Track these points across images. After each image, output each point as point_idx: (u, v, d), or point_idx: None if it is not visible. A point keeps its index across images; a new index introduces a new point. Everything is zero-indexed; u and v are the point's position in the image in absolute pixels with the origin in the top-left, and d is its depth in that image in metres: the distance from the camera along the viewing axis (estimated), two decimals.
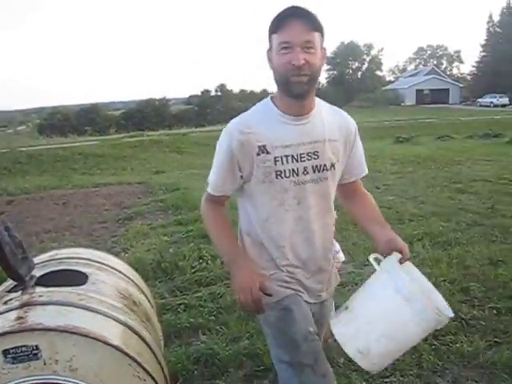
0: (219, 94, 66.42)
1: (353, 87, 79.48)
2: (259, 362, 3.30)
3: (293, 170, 1.88)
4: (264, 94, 45.98)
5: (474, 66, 76.23)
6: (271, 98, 1.96)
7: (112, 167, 14.81)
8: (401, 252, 1.90)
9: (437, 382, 3.04)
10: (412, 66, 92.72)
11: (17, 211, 8.69)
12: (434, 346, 3.42)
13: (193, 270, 4.98)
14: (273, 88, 1.96)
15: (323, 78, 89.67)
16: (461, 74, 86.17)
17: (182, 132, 26.59)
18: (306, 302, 2.01)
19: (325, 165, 1.94)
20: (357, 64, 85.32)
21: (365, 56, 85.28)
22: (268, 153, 1.85)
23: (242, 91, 69.48)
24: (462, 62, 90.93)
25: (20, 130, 49.88)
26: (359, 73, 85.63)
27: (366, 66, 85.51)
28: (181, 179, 10.84)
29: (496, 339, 3.48)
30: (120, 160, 16.15)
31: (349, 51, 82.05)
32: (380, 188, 8.59)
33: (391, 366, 3.16)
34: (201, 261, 5.18)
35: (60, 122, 50.77)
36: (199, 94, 68.88)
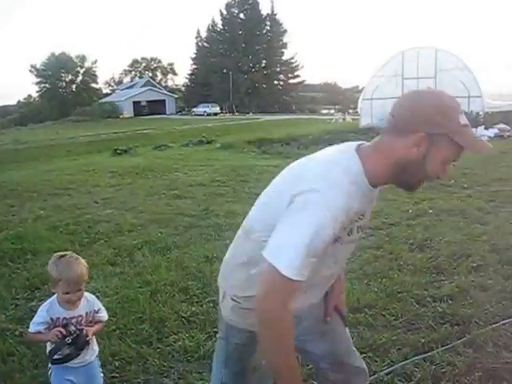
0: None
1: (68, 101, 77.18)
2: None
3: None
4: None
5: (186, 78, 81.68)
6: (363, 163, 1.69)
7: None
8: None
9: (164, 383, 3.16)
10: (128, 79, 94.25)
11: None
12: (158, 349, 3.54)
13: None
14: None
15: (34, 92, 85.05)
16: (175, 85, 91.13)
17: None
18: None
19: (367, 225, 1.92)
20: (70, 76, 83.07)
21: (78, 68, 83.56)
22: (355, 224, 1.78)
23: None
24: (175, 73, 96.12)
25: None
26: (74, 85, 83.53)
27: (80, 78, 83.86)
28: None
29: (214, 329, 3.74)
30: None
31: (60, 63, 79.33)
32: (99, 202, 8.49)
33: (119, 379, 3.20)
34: None
35: None
36: None
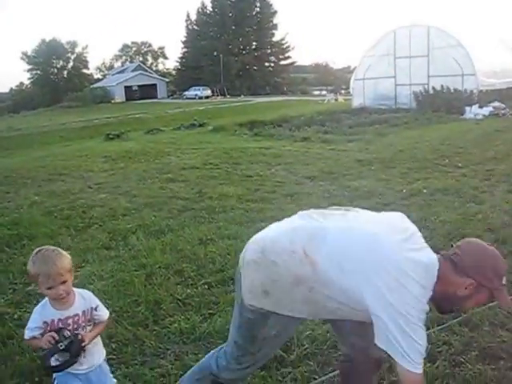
0: None
1: (60, 87, 76.54)
2: None
3: None
4: None
5: (177, 62, 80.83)
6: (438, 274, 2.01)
7: None
8: None
9: (161, 364, 3.17)
10: (119, 63, 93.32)
11: None
12: (154, 331, 3.56)
13: None
14: None
15: (26, 79, 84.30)
16: (166, 69, 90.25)
17: None
18: None
19: None
20: (61, 63, 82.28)
21: (69, 54, 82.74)
22: None
23: None
24: (166, 57, 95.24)
25: None
26: (65, 72, 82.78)
27: (71, 64, 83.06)
28: None
29: (210, 311, 3.79)
30: None
31: (51, 49, 78.54)
32: (92, 187, 8.46)
33: (116, 360, 3.20)
34: None
35: None
36: None
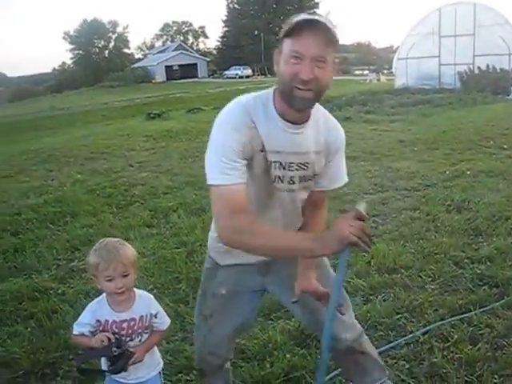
0: None
1: (101, 67, 77.59)
2: (16, 367, 3.06)
3: (279, 176, 1.89)
4: None
5: (218, 41, 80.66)
6: (274, 93, 1.86)
7: None
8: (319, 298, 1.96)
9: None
10: (159, 43, 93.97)
11: None
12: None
13: None
14: None
15: (69, 59, 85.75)
16: (207, 48, 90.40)
17: None
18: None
19: (312, 175, 1.95)
20: (103, 42, 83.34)
21: (110, 34, 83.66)
22: (265, 152, 1.84)
23: None
24: (206, 36, 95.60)
25: None
26: (106, 51, 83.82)
27: (112, 44, 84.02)
28: None
29: None
30: None
31: (93, 29, 79.57)
32: (134, 166, 8.60)
33: None
34: None
35: None
36: None
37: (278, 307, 3.43)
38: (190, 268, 4.17)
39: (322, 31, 1.67)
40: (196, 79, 63.12)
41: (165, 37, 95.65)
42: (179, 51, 73.91)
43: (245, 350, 3.01)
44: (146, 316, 2.03)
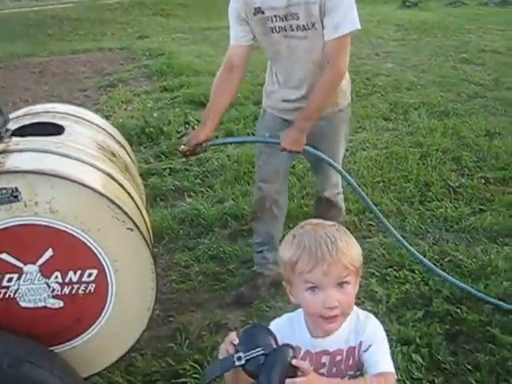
0: None
1: None
2: (243, 221, 3.52)
3: (280, 27, 2.43)
4: None
5: None
6: None
7: (90, 32, 14.26)
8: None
9: (418, 244, 3.25)
10: None
11: None
12: (418, 211, 3.63)
13: (178, 135, 5.09)
14: None
15: None
16: None
17: None
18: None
19: (305, 24, 2.39)
20: None
21: None
22: (263, 13, 2.40)
23: None
24: None
25: None
26: None
27: None
28: (166, 44, 10.56)
29: (481, 206, 3.68)
30: (98, 24, 15.54)
31: None
32: (380, 55, 8.46)
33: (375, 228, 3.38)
34: (187, 126, 5.27)
35: None
36: None
37: (507, 232, 3.30)
38: (421, 170, 4.16)
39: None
40: None
41: None
42: None
43: (461, 266, 3.00)
44: (355, 348, 1.39)
